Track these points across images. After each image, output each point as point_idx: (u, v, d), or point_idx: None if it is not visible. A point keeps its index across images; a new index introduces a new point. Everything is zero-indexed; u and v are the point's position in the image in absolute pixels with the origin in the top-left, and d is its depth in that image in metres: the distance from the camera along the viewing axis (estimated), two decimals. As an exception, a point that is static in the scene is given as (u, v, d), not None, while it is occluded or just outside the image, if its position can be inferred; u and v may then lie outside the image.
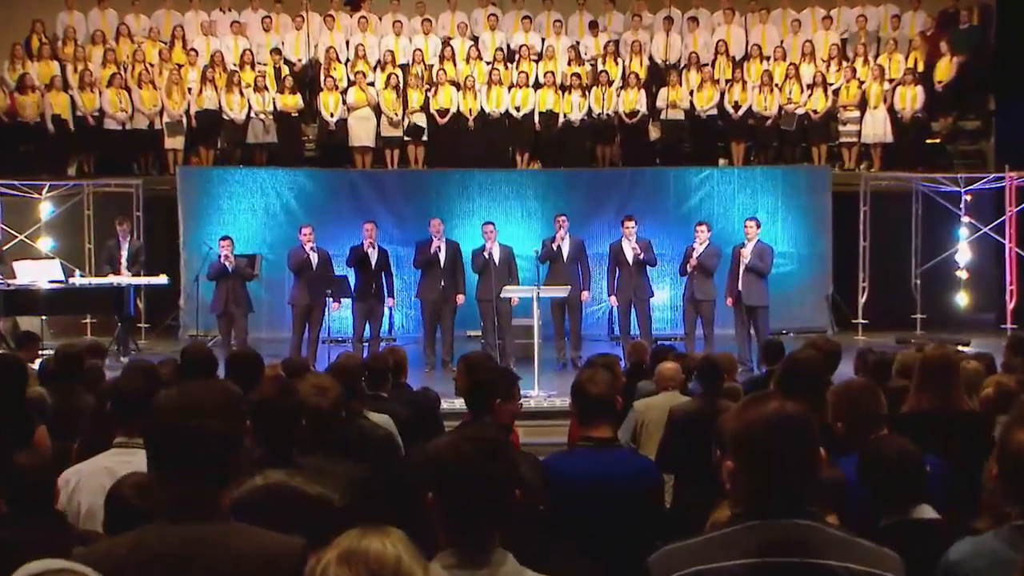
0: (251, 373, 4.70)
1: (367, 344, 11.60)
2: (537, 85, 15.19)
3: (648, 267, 11.82)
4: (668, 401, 6.11)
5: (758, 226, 11.62)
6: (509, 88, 15.09)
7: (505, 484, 2.21)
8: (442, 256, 11.74)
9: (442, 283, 11.68)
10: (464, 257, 12.10)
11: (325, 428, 3.58)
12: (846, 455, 3.55)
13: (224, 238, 11.82)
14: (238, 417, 2.29)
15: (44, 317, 12.89)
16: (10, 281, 12.26)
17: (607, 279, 12.15)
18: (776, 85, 15.08)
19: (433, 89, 15.04)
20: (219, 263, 11.59)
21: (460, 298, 11.84)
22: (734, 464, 2.16)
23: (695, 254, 11.53)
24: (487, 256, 11.64)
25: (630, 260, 11.63)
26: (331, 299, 11.39)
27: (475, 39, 16.11)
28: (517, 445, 5.21)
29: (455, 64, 15.48)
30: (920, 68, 15.41)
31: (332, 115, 14.92)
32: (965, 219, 14.49)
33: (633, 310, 11.79)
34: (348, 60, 15.67)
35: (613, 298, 11.91)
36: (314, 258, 11.65)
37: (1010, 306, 14.34)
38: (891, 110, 15.00)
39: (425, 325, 11.94)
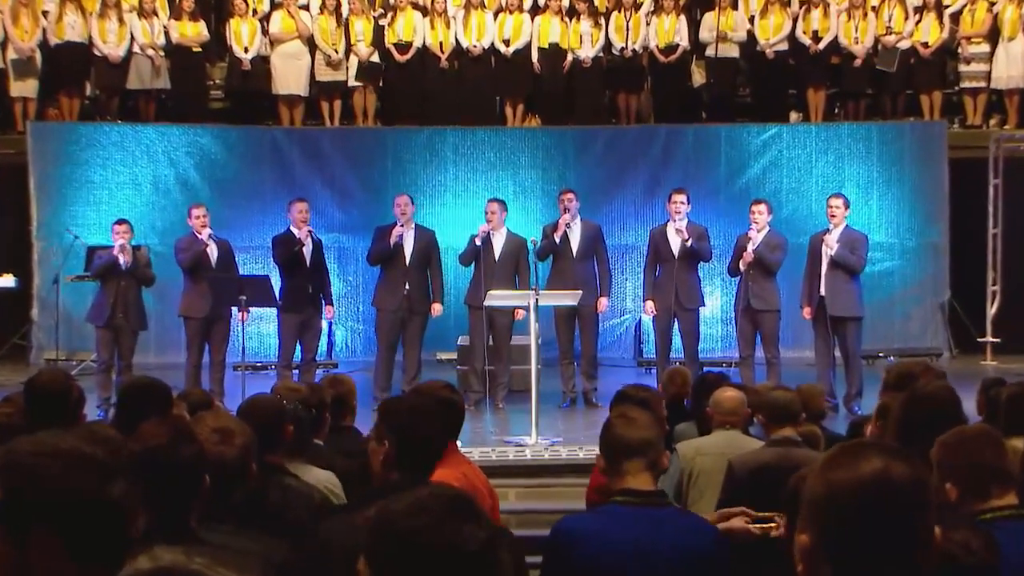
0: (155, 412, 4.65)
1: (298, 371, 11.58)
2: (536, 10, 15.22)
3: (700, 263, 11.78)
4: (726, 443, 6.07)
5: (847, 205, 11.58)
6: (496, 14, 15.11)
7: (493, 560, 2.19)
8: (408, 249, 11.68)
9: (407, 287, 11.63)
10: (445, 248, 12.01)
11: (231, 487, 3.57)
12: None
13: (120, 222, 11.70)
14: (134, 477, 2.29)
15: None
16: None
17: (644, 277, 12.13)
18: (871, 8, 15.12)
19: (390, 16, 15.04)
20: (109, 255, 11.48)
21: (437, 308, 11.80)
22: (812, 540, 2.15)
23: (750, 245, 11.52)
24: (480, 245, 11.57)
25: (675, 251, 11.63)
26: (239, 309, 11.28)
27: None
28: (497, 512, 5.21)
29: (420, -21, 15.50)
30: (1072, -16, 15.46)
31: (247, 51, 14.93)
32: None
33: (675, 323, 11.77)
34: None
35: (650, 304, 11.88)
36: (213, 251, 11.60)
37: None
38: (1032, 43, 15.07)
39: (381, 345, 11.89)
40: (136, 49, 14.88)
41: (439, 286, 11.84)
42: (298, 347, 11.70)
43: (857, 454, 2.17)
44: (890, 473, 2.11)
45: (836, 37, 15.04)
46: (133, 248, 11.62)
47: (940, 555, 2.47)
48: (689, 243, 11.49)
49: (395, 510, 2.20)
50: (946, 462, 3.80)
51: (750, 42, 15.21)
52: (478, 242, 11.57)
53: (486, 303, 11.05)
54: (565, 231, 11.66)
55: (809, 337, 11.73)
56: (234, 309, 11.30)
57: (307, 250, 11.62)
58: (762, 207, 11.61)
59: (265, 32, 15.00)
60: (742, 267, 11.45)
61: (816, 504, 2.15)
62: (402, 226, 11.61)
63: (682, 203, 11.63)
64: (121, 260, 11.37)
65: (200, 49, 15.15)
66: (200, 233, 11.49)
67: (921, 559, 2.13)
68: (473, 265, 11.74)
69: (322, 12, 14.98)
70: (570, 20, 15.08)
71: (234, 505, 3.59)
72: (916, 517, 2.12)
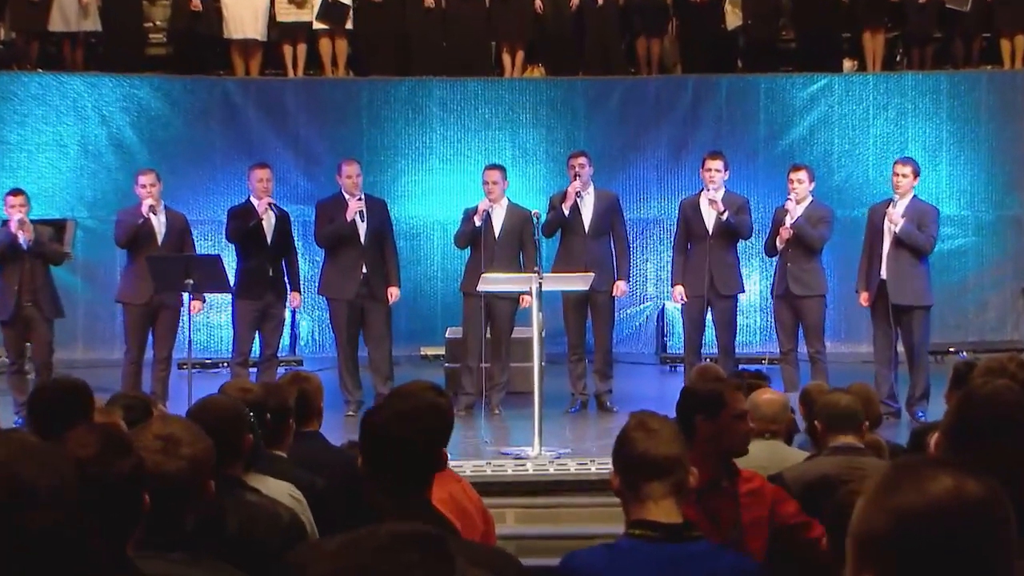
0: (72, 418, 4.63)
1: (256, 369, 11.61)
2: (539, -63, 15.21)
3: (738, 239, 11.73)
4: (766, 456, 6.04)
5: (916, 173, 11.54)
6: (491, -59, 15.10)
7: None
8: (362, 226, 11.68)
9: (364, 270, 11.64)
10: (411, 224, 12.00)
11: (178, 508, 3.55)
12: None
13: (14, 192, 11.74)
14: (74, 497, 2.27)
15: None
16: None
17: (673, 257, 12.10)
18: (939, -63, 15.12)
19: (364, -57, 15.03)
20: (6, 233, 11.52)
21: (394, 293, 11.81)
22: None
23: (788, 219, 11.50)
24: (481, 225, 11.52)
25: (709, 227, 11.62)
26: (190, 294, 11.31)
27: None
28: (492, 538, 5.17)
29: (401, -99, 15.48)
30: None
31: (196, -14, 14.92)
32: None
33: (709, 312, 11.76)
34: None
35: (679, 290, 11.85)
36: (159, 225, 11.58)
37: None
38: None
39: (339, 339, 11.92)
40: (61, -15, 14.86)
41: (395, 266, 11.88)
42: (256, 340, 11.71)
43: (919, 473, 2.12)
44: (965, 492, 2.07)
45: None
46: (51, 223, 11.59)
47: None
48: (726, 216, 11.44)
49: (350, 547, 2.15)
50: None
51: (795, -24, 15.22)
52: (478, 222, 11.52)
53: (479, 287, 11.01)
54: (575, 202, 11.62)
55: (866, 328, 11.70)
56: (186, 297, 11.27)
57: (268, 225, 11.61)
58: (802, 174, 11.60)
59: (215, -36, 14.98)
60: (779, 245, 11.44)
61: (879, 539, 2.09)
62: (360, 200, 11.61)
63: (717, 170, 11.59)
64: (21, 238, 11.35)
65: (138, -15, 15.14)
66: (144, 204, 11.44)
67: None
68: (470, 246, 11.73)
69: (283, -61, 14.97)
70: (580, -50, 15.08)
71: (182, 529, 3.56)
72: (998, 544, 2.08)
